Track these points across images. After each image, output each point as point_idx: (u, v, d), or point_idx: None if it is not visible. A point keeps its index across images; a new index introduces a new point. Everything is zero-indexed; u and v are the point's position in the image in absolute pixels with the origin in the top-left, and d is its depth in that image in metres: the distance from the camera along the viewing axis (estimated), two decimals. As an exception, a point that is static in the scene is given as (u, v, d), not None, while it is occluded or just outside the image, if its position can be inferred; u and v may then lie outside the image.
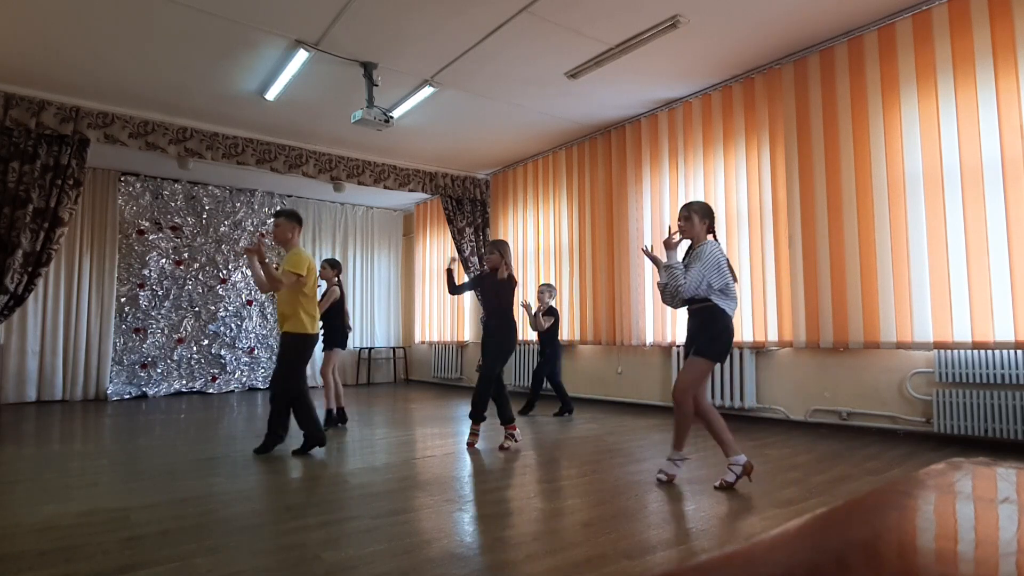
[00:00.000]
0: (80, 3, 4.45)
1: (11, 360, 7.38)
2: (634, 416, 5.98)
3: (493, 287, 4.54)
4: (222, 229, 9.00)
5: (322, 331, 5.25)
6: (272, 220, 4.47)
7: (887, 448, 4.19)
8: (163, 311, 8.44)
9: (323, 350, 5.49)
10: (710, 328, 3.22)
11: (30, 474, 3.65)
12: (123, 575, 2.10)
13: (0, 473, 3.68)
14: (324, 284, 5.48)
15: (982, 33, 4.16)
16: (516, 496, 3.11)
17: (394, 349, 10.79)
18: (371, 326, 10.55)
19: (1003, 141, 4.04)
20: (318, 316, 4.43)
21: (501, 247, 4.57)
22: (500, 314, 4.53)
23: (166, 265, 8.53)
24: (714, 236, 3.41)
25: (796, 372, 5.28)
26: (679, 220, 3.39)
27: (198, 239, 8.80)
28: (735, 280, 3.32)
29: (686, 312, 3.42)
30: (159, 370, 8.36)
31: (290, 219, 4.38)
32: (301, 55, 5.17)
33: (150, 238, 8.42)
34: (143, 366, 8.24)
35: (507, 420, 4.44)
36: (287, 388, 4.23)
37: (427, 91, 5.95)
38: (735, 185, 5.68)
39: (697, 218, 3.34)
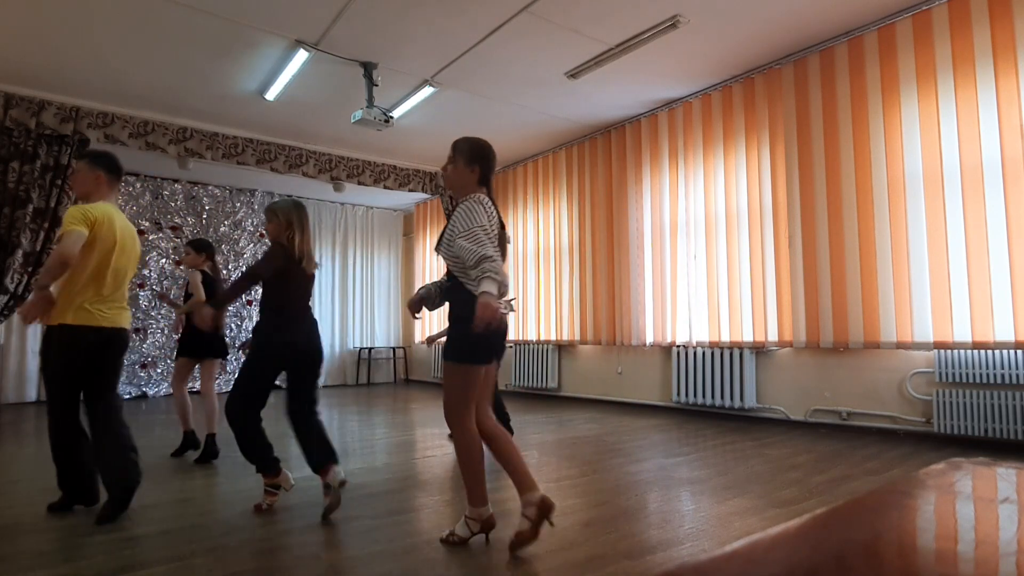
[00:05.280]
0: (80, 3, 4.45)
1: (11, 360, 7.39)
2: (634, 416, 5.98)
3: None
4: (222, 229, 9.00)
5: (183, 335, 4.27)
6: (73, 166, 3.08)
7: (887, 448, 4.19)
8: (163, 311, 8.44)
9: (197, 359, 4.27)
10: (462, 323, 2.31)
11: (30, 474, 3.65)
12: (123, 575, 2.10)
13: (0, 473, 3.68)
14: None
15: (982, 33, 4.16)
16: (516, 496, 3.11)
17: (394, 349, 10.79)
18: (371, 326, 10.55)
19: (1003, 141, 4.04)
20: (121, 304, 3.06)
21: (285, 209, 3.04)
22: (276, 308, 2.96)
23: (166, 265, 8.53)
24: (488, 190, 2.49)
25: (796, 372, 5.28)
26: (447, 164, 2.51)
27: (198, 239, 8.80)
28: (503, 257, 2.39)
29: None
30: (159, 370, 8.36)
31: (95, 164, 2.97)
32: (301, 55, 5.17)
33: (150, 238, 8.42)
34: (143, 366, 8.24)
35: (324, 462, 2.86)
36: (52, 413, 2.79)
37: (427, 91, 5.95)
38: (735, 185, 5.68)
39: (463, 160, 2.44)
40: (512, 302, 2.56)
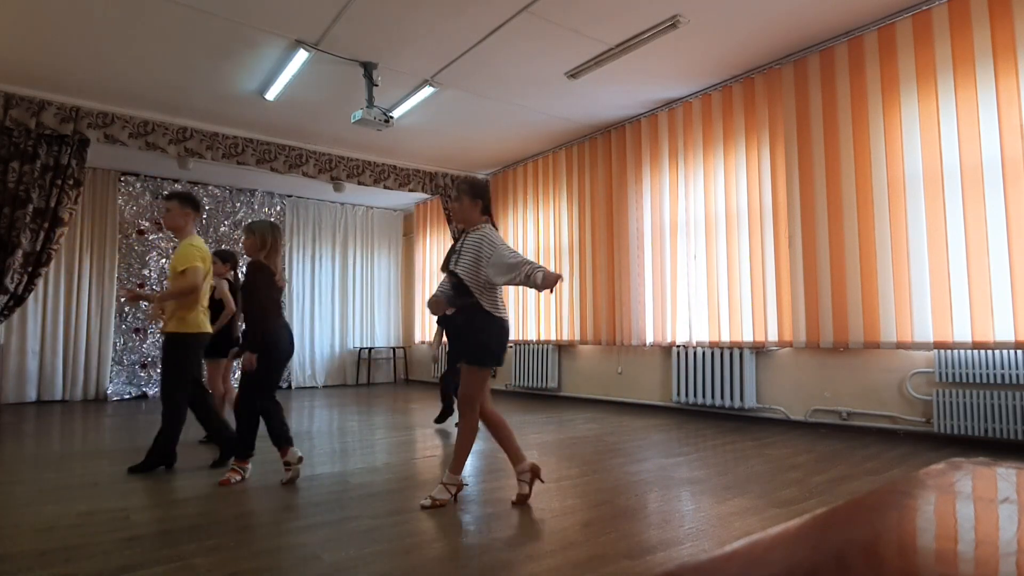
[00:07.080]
0: (80, 3, 4.45)
1: (11, 360, 7.38)
2: (634, 416, 5.98)
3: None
4: (222, 229, 9.00)
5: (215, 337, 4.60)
6: (164, 204, 3.90)
7: (887, 448, 4.19)
8: (163, 311, 8.44)
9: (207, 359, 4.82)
10: (478, 334, 2.90)
11: (30, 474, 3.65)
12: (123, 575, 2.10)
13: (0, 473, 3.68)
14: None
15: (982, 33, 4.16)
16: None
17: (394, 349, 10.79)
18: (371, 326, 10.55)
19: (1003, 141, 4.04)
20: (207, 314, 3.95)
21: (262, 229, 3.51)
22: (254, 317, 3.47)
23: (166, 265, 8.52)
24: (490, 219, 3.08)
25: (796, 372, 5.28)
26: (453, 202, 3.03)
27: (198, 239, 8.80)
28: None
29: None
30: (159, 370, 8.35)
31: (184, 203, 3.85)
32: (301, 55, 5.17)
33: (150, 238, 8.42)
34: (143, 366, 8.24)
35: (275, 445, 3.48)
36: (172, 396, 3.76)
37: (427, 91, 5.95)
38: (735, 185, 5.68)
39: (468, 199, 3.01)
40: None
